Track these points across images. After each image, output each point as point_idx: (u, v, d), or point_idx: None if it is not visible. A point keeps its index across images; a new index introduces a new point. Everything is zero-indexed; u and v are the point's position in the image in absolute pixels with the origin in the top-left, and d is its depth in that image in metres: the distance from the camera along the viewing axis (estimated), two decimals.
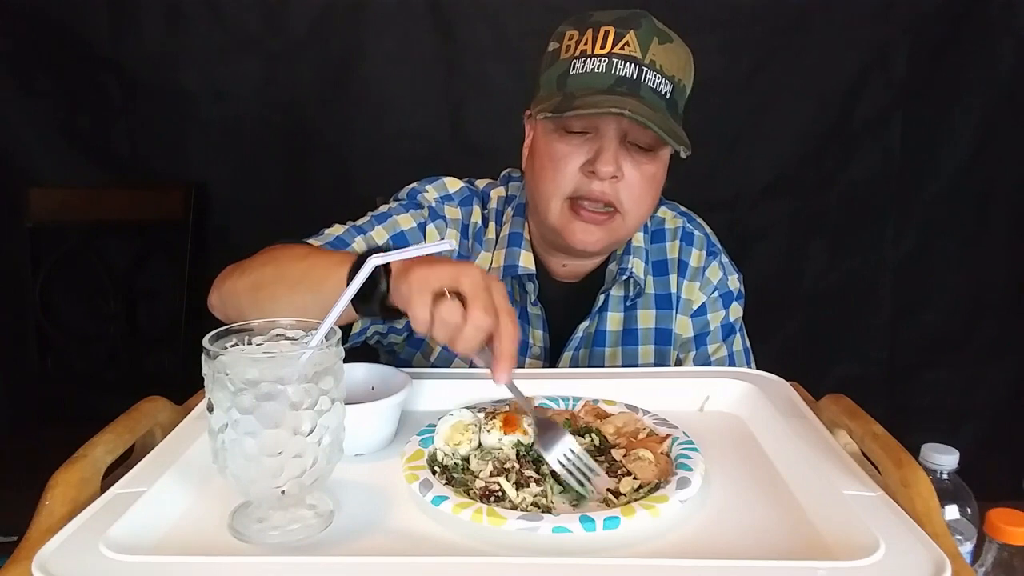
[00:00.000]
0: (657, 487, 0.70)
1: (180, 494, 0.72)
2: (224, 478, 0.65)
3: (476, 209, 1.17)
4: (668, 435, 0.78)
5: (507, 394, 0.87)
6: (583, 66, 0.99)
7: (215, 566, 0.60)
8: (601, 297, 1.13)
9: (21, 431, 1.90)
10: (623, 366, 1.15)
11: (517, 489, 0.70)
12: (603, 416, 0.84)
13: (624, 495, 0.70)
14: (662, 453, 0.75)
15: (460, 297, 0.72)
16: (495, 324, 0.72)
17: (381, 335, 1.14)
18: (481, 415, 0.80)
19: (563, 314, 1.15)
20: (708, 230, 1.22)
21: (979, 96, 1.88)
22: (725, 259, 1.20)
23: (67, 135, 1.94)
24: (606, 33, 0.99)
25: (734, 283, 1.20)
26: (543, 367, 1.15)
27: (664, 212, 1.21)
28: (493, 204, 1.18)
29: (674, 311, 1.16)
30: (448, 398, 0.89)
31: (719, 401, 0.92)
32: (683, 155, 1.02)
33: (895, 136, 1.92)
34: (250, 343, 0.68)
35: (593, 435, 0.80)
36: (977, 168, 1.92)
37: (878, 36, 1.86)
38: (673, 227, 1.19)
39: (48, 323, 1.94)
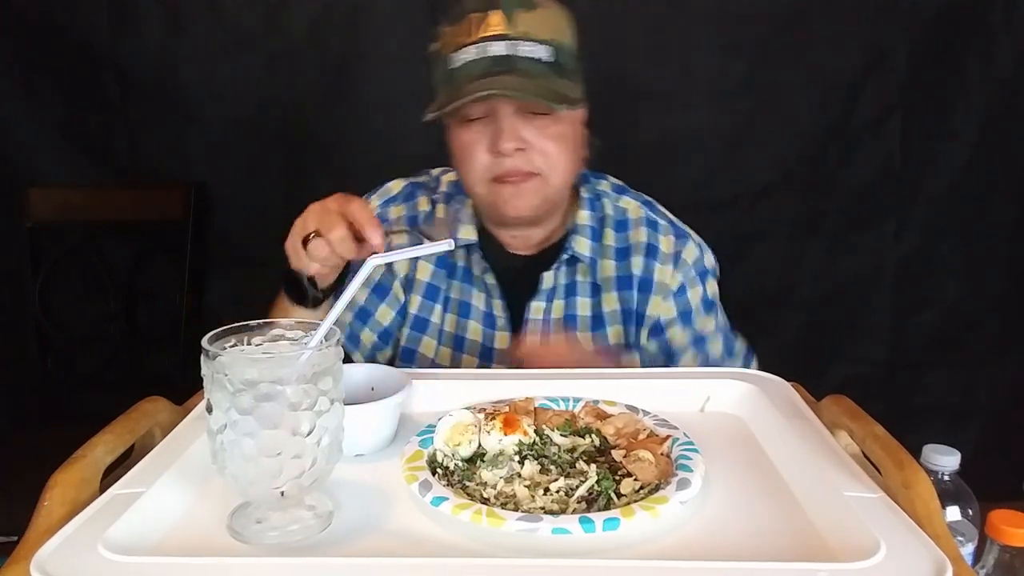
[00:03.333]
0: (657, 488, 0.69)
1: (179, 495, 0.71)
2: (223, 479, 0.65)
3: (423, 198, 1.22)
4: (668, 436, 0.77)
5: (508, 394, 0.87)
6: (460, 57, 1.03)
7: (214, 567, 0.59)
8: (547, 276, 1.16)
9: (21, 431, 1.89)
10: (619, 344, 1.17)
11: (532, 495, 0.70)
12: (603, 417, 0.84)
13: (624, 496, 0.70)
14: (662, 454, 0.75)
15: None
16: (345, 215, 0.86)
17: None
18: (481, 416, 0.80)
19: (523, 286, 1.17)
20: (671, 216, 1.24)
21: (979, 96, 1.88)
22: (697, 238, 1.22)
23: (67, 135, 1.94)
24: (473, 20, 1.03)
25: (709, 260, 1.22)
26: (509, 336, 1.17)
27: (627, 202, 1.22)
28: (444, 188, 1.23)
29: (635, 291, 1.17)
30: (448, 399, 0.89)
31: (720, 402, 0.91)
32: (563, 111, 1.05)
33: (895, 136, 1.91)
34: (249, 344, 0.68)
35: (593, 436, 0.80)
36: (977, 168, 1.91)
37: (878, 36, 1.86)
38: (636, 216, 1.21)
39: (48, 323, 1.94)
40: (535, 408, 0.85)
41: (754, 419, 0.87)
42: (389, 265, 1.18)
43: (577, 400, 0.87)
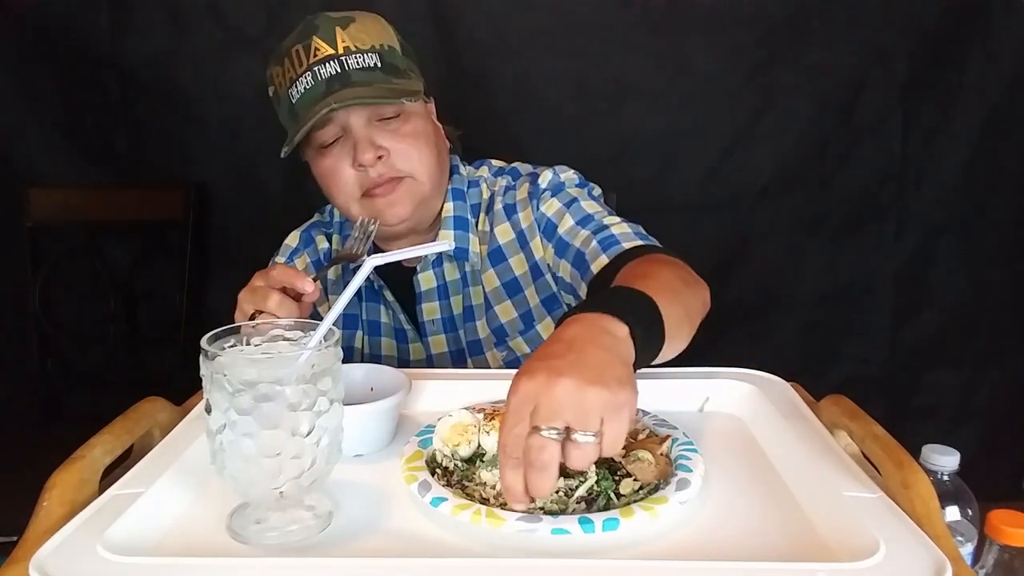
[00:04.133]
0: (656, 488, 0.69)
1: (178, 495, 0.71)
2: (222, 479, 0.65)
3: (320, 237, 1.26)
4: (668, 436, 0.77)
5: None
6: (297, 90, 1.06)
7: (213, 567, 0.60)
8: (421, 278, 1.17)
9: (21, 431, 1.89)
10: (521, 315, 1.16)
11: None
12: None
13: (624, 496, 0.69)
14: (662, 454, 0.75)
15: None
16: (277, 285, 0.89)
17: None
18: (480, 416, 0.80)
19: (416, 295, 1.19)
20: (514, 166, 1.24)
21: (979, 96, 1.88)
22: (543, 169, 1.19)
23: (67, 135, 1.94)
24: (298, 52, 1.06)
25: (568, 174, 1.18)
26: (421, 346, 1.19)
27: (498, 182, 1.22)
28: (338, 218, 1.25)
29: (525, 246, 1.16)
30: (448, 399, 0.89)
31: (719, 402, 0.91)
32: (411, 108, 1.09)
33: (895, 136, 1.91)
34: (248, 344, 0.68)
35: None
36: (977, 168, 1.91)
37: (878, 36, 1.86)
38: (499, 188, 1.20)
39: (48, 323, 1.94)
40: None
41: (754, 419, 0.87)
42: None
43: None
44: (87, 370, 2.03)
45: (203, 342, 0.64)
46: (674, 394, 0.91)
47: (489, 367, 1.17)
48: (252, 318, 0.90)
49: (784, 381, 0.94)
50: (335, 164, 1.08)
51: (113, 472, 0.74)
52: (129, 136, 1.95)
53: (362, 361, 1.17)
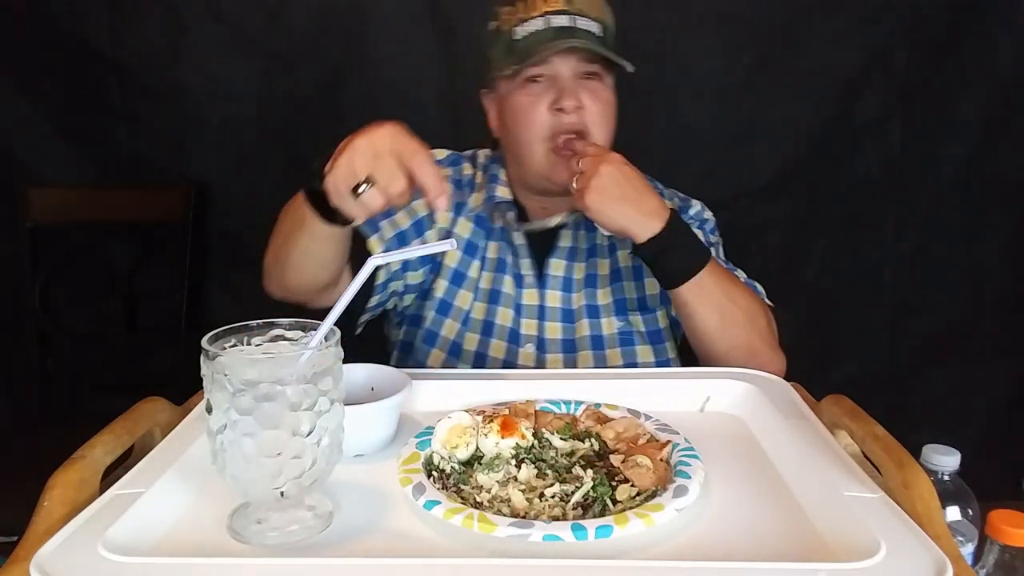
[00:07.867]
0: (654, 495, 0.69)
1: (179, 495, 0.71)
2: (223, 479, 0.65)
3: (467, 165, 1.32)
4: (669, 441, 0.77)
5: (511, 396, 0.87)
6: (524, 29, 1.13)
7: (214, 567, 0.60)
8: (565, 233, 1.24)
9: (21, 431, 1.89)
10: (638, 297, 1.23)
11: (528, 500, 0.70)
12: (604, 421, 0.83)
13: (620, 503, 0.69)
14: (661, 460, 0.74)
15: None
16: (408, 168, 0.83)
17: (398, 295, 1.23)
18: (479, 419, 0.79)
19: (546, 248, 1.24)
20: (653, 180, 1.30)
21: (979, 95, 1.88)
22: (692, 200, 1.30)
23: (67, 135, 1.94)
24: None
25: (710, 215, 1.31)
26: (538, 292, 1.22)
27: None
28: (481, 159, 1.33)
29: None
30: (450, 399, 0.89)
31: (719, 402, 0.91)
32: (629, 69, 1.16)
33: (895, 136, 1.91)
34: (249, 344, 0.68)
35: (593, 440, 0.80)
36: (977, 168, 1.91)
37: (878, 36, 1.86)
38: None
39: (48, 323, 1.94)
40: (536, 411, 0.85)
41: (754, 419, 0.87)
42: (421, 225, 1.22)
43: (579, 404, 0.86)
44: (87, 370, 2.03)
45: (204, 342, 0.64)
46: (675, 394, 0.91)
47: (603, 331, 1.21)
48: (356, 188, 0.82)
49: (784, 381, 0.94)
50: (534, 103, 1.13)
51: (113, 472, 0.74)
52: (129, 136, 1.95)
53: (476, 294, 1.22)
